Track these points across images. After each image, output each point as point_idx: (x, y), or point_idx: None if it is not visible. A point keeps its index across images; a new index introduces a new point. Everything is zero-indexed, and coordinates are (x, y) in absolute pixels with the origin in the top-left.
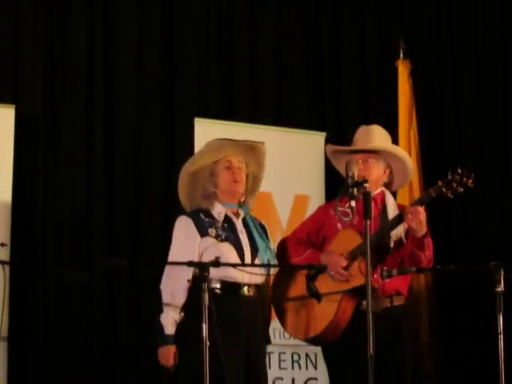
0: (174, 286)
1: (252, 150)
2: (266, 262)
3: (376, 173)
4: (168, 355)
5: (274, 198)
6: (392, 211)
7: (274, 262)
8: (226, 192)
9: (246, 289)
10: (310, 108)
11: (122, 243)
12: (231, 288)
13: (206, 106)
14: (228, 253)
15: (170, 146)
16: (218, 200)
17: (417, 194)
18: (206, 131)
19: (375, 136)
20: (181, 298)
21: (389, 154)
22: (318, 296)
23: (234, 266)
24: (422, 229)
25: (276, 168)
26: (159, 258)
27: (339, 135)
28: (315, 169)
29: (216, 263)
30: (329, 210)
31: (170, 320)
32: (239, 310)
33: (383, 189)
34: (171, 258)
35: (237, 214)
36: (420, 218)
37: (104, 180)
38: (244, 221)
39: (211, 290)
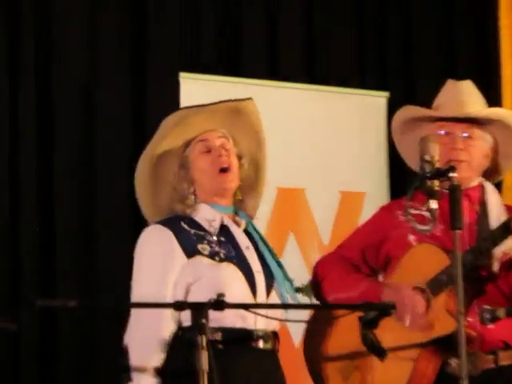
0: (146, 339)
1: (237, 114)
2: (286, 296)
3: (479, 153)
4: None
5: (308, 196)
6: (496, 215)
7: (296, 297)
8: (209, 190)
9: (260, 338)
10: (363, 55)
11: (67, 275)
12: (240, 339)
13: (198, 56)
14: (234, 280)
15: (139, 122)
16: (200, 202)
17: None
18: (199, 93)
19: (473, 97)
20: (157, 356)
21: (497, 124)
22: (381, 352)
23: (247, 307)
24: None
25: (310, 151)
26: (125, 296)
27: (409, 97)
28: (373, 151)
29: (219, 303)
30: (395, 213)
31: None
32: (252, 374)
33: (482, 180)
34: (137, 294)
35: (236, 222)
36: None
37: (37, 178)
38: (247, 233)
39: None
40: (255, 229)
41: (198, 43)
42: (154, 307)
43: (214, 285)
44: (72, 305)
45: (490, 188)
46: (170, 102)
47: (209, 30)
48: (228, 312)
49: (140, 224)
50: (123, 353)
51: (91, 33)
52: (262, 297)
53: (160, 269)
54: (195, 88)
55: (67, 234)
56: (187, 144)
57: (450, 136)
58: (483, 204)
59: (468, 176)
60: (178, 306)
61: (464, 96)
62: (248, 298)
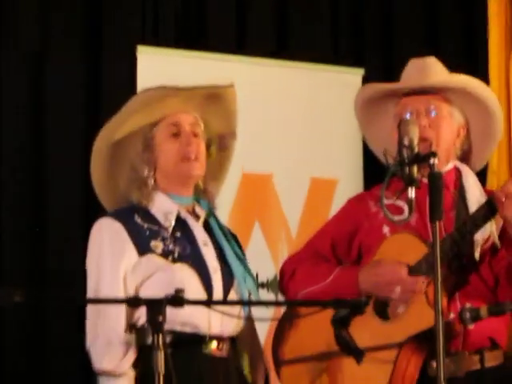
0: (110, 340)
1: (215, 100)
2: (246, 295)
3: (448, 132)
4: None
5: (275, 183)
6: (475, 199)
7: (258, 296)
8: (172, 177)
9: (213, 344)
10: (337, 28)
11: (14, 264)
12: (190, 343)
13: (157, 28)
14: (187, 282)
15: (93, 99)
16: (159, 190)
17: None
18: (158, 69)
19: (439, 68)
20: (126, 357)
21: (466, 97)
22: (357, 353)
23: (209, 304)
24: None
25: (278, 133)
26: (80, 290)
27: (386, 73)
28: (346, 134)
29: (178, 299)
30: (367, 203)
31: None
32: (203, 381)
33: (457, 163)
34: (89, 291)
35: (194, 214)
36: None
37: None
38: (207, 226)
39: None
40: (217, 220)
41: (158, 14)
42: (107, 303)
43: (166, 286)
44: (18, 299)
45: (466, 171)
46: (127, 77)
47: None
48: (178, 314)
49: (92, 215)
50: (86, 360)
51: (43, 2)
52: (218, 297)
53: (110, 266)
54: (154, 63)
55: (15, 232)
56: (155, 124)
57: (414, 115)
58: (460, 189)
59: (442, 159)
60: (133, 302)
61: (427, 69)
62: (215, 303)
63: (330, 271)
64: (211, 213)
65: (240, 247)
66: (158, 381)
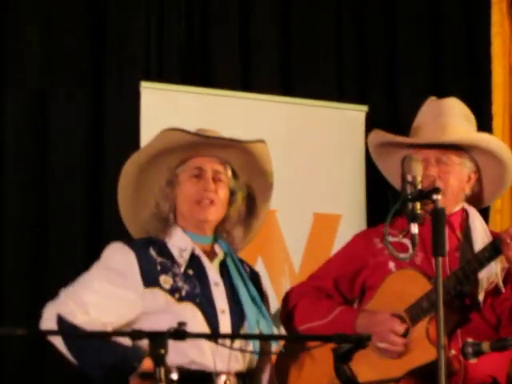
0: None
1: (247, 155)
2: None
3: (457, 180)
4: None
5: (278, 218)
6: (481, 241)
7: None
8: (187, 217)
9: (222, 381)
10: (341, 65)
11: (15, 297)
12: (198, 380)
13: (161, 64)
14: (192, 321)
15: (96, 135)
16: (177, 226)
17: None
18: (162, 105)
19: (455, 118)
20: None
21: (480, 149)
22: None
23: (210, 337)
24: None
25: (282, 168)
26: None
27: (390, 110)
28: (350, 169)
29: (180, 333)
30: (372, 240)
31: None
32: None
33: (465, 205)
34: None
35: (211, 254)
36: None
37: None
38: (223, 266)
39: None
40: (234, 261)
41: (162, 50)
42: (110, 336)
43: (167, 324)
44: (20, 333)
45: (473, 213)
46: (131, 114)
47: (175, 35)
48: (185, 350)
49: (93, 245)
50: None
51: (46, 37)
52: (225, 339)
53: (111, 290)
54: (157, 99)
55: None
56: (183, 161)
57: (425, 163)
58: (466, 230)
59: (443, 204)
60: (135, 334)
61: (444, 118)
62: (207, 342)
63: (330, 309)
64: (230, 253)
65: (260, 287)
66: None
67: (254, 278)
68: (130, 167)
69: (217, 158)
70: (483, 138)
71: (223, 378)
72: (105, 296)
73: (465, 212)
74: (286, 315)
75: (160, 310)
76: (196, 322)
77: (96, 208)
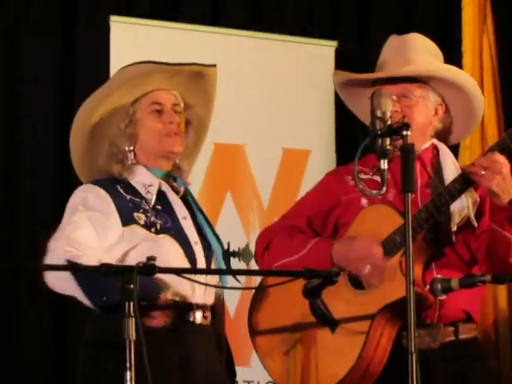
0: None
1: (198, 79)
2: (222, 266)
3: (423, 114)
4: None
5: (247, 153)
6: (452, 177)
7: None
8: (154, 152)
9: (199, 314)
10: (311, 2)
11: None
12: (178, 313)
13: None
14: (171, 253)
15: (65, 70)
16: (139, 164)
17: None
18: (131, 39)
19: (417, 52)
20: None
21: (443, 81)
22: (331, 322)
23: (179, 272)
24: (509, 189)
25: (251, 104)
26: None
27: (359, 47)
28: (319, 105)
29: (149, 267)
30: (344, 177)
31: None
32: (190, 352)
33: (435, 141)
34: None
35: (174, 189)
36: (502, 171)
37: None
38: (185, 201)
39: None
40: (192, 197)
41: None
42: (81, 270)
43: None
44: None
45: (444, 150)
46: (100, 47)
47: None
48: (168, 283)
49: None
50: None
51: None
52: (200, 267)
53: (93, 230)
54: (127, 34)
55: None
56: (137, 101)
57: None
58: (437, 167)
59: (419, 138)
60: (105, 269)
61: (407, 52)
62: (187, 272)
63: (304, 243)
64: (187, 190)
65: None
66: (129, 347)
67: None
68: (80, 118)
69: (169, 90)
70: (445, 69)
71: (200, 308)
72: (96, 239)
73: (435, 148)
74: (260, 255)
75: (141, 244)
76: (176, 252)
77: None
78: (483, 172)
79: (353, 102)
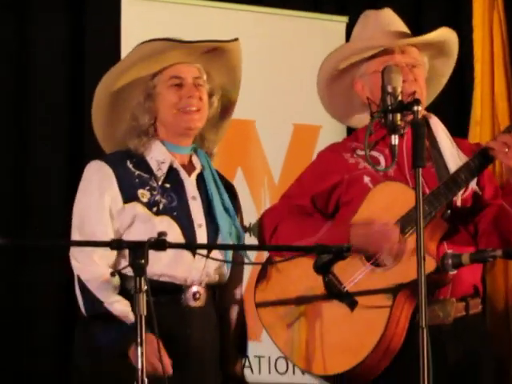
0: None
1: (218, 54)
2: (228, 252)
3: (424, 83)
4: (151, 353)
5: (258, 129)
6: (449, 152)
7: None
8: (171, 127)
9: (190, 294)
10: None
11: None
12: (167, 294)
13: None
14: (168, 234)
15: (75, 46)
16: (157, 139)
17: (507, 122)
18: (144, 17)
19: (402, 24)
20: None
21: (433, 48)
22: (348, 300)
23: (190, 248)
24: None
25: (262, 79)
26: (62, 234)
27: None
28: None
29: (161, 242)
30: (343, 155)
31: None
32: (181, 334)
33: (424, 112)
34: (74, 235)
35: (189, 167)
36: None
37: None
38: (200, 178)
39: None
40: (212, 173)
41: None
42: (91, 246)
43: (145, 237)
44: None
45: (435, 122)
46: (109, 23)
47: None
48: (155, 263)
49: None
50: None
51: None
52: (201, 252)
53: (96, 205)
54: (138, 9)
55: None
56: (156, 73)
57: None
58: (431, 138)
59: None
60: (116, 244)
61: (396, 24)
62: (183, 254)
63: (317, 226)
64: (208, 165)
65: (235, 198)
66: (140, 323)
67: (230, 190)
68: (101, 91)
69: (190, 63)
70: (449, 35)
71: (194, 288)
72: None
73: (425, 118)
74: (268, 239)
75: (135, 223)
76: (172, 234)
77: (77, 118)
78: (506, 150)
79: (332, 91)
